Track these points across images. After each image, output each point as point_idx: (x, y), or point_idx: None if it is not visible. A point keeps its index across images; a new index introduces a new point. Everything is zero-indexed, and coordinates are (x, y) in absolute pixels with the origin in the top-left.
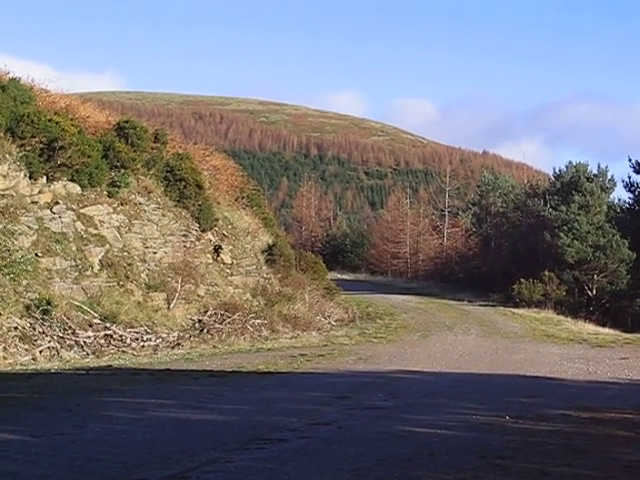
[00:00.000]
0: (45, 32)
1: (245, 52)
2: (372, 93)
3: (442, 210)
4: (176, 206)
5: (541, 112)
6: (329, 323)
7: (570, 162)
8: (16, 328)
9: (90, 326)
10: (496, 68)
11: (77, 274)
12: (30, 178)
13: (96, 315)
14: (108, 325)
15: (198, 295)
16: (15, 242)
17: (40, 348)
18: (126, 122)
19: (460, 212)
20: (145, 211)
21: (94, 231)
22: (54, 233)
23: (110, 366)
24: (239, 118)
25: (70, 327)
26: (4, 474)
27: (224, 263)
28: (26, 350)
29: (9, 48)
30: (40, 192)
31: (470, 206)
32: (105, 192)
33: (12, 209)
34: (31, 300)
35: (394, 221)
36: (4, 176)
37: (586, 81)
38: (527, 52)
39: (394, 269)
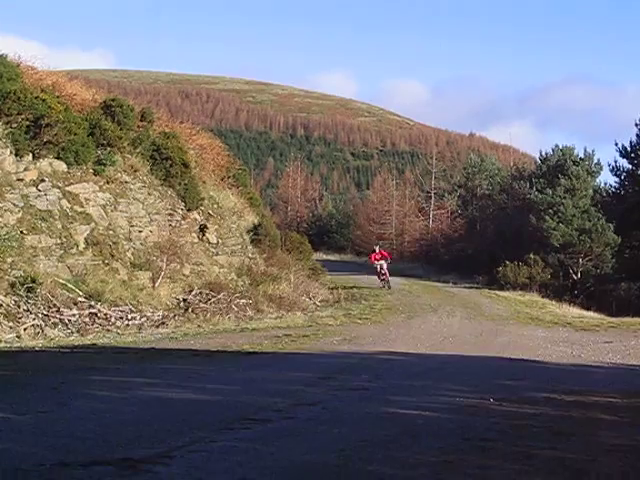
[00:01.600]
0: (35, 8)
1: (233, 32)
2: (362, 74)
3: (428, 192)
4: (162, 185)
5: (532, 95)
6: (314, 304)
7: (556, 145)
8: (0, 305)
9: (75, 304)
10: (487, 50)
11: (62, 252)
12: (16, 155)
13: (81, 293)
14: (93, 303)
15: (183, 274)
16: (0, 219)
17: (24, 326)
18: (113, 100)
19: (446, 194)
20: (131, 190)
21: (80, 209)
22: (39, 211)
23: (95, 344)
24: (226, 97)
25: (55, 305)
26: None
27: (209, 242)
28: (10, 328)
29: None
30: (26, 169)
31: (456, 188)
32: (91, 170)
33: None
34: (16, 278)
35: (380, 202)
36: None
37: (576, 64)
38: (518, 35)
39: None
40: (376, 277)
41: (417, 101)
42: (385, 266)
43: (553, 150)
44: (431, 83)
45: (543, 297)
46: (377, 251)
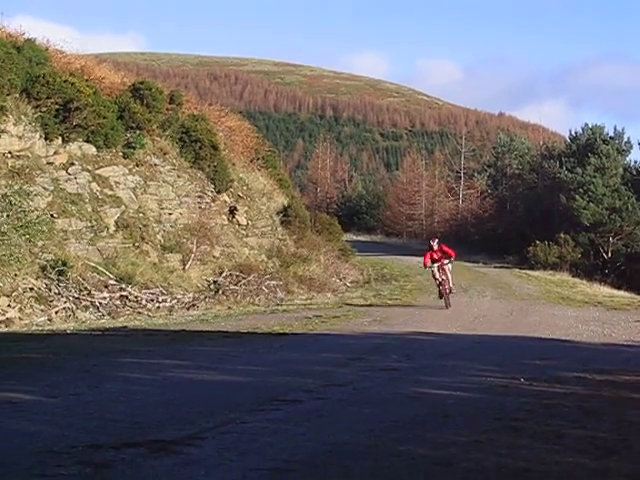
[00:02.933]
0: None
1: (262, 14)
2: (395, 55)
3: (457, 172)
4: (191, 167)
5: (565, 74)
6: (344, 284)
7: (586, 124)
8: (32, 289)
9: (106, 287)
10: (521, 30)
11: (93, 235)
12: (46, 139)
13: (112, 276)
14: (124, 286)
15: (213, 256)
16: (31, 203)
17: (56, 309)
18: (141, 83)
19: (476, 174)
20: (160, 172)
21: (109, 192)
22: (69, 194)
23: (125, 327)
24: (254, 79)
25: (86, 288)
26: (21, 434)
27: (239, 224)
28: (42, 311)
29: (31, 9)
30: (56, 153)
31: (486, 168)
32: (120, 153)
33: (28, 170)
34: (47, 261)
35: (409, 183)
36: (20, 137)
37: (610, 42)
38: (553, 14)
39: (409, 231)
40: (407, 257)
41: (449, 81)
42: (449, 269)
43: (583, 129)
44: (464, 63)
45: (574, 276)
46: (435, 248)
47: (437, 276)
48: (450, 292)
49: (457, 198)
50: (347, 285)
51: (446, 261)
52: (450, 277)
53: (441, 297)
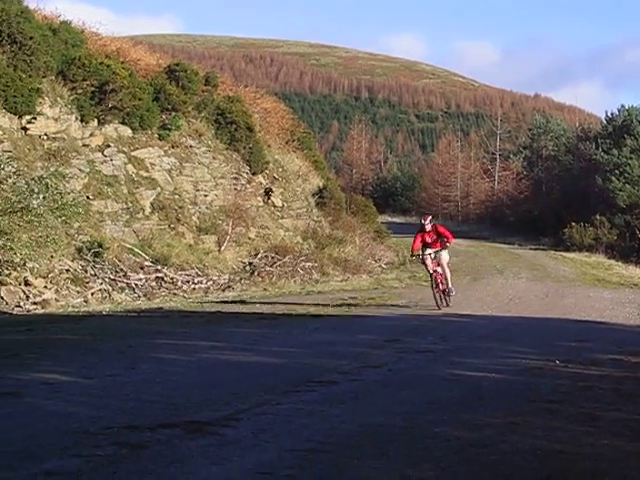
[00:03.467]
0: None
1: None
2: (432, 36)
3: (493, 153)
4: (227, 149)
5: (601, 55)
6: (379, 266)
7: (622, 105)
8: (68, 270)
9: (141, 268)
10: (558, 11)
11: (128, 217)
12: (81, 121)
13: (147, 258)
14: (159, 268)
15: (249, 238)
16: (67, 185)
17: (92, 290)
18: (177, 65)
19: (511, 155)
20: (196, 154)
21: (145, 174)
22: (105, 176)
23: (161, 308)
24: (289, 61)
25: (121, 269)
26: (57, 415)
27: (275, 206)
28: (78, 292)
29: None
30: (91, 135)
31: (521, 149)
32: (156, 135)
33: (64, 152)
34: (83, 243)
35: (445, 164)
36: (56, 119)
37: None
38: None
39: (445, 212)
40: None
41: (485, 63)
42: (445, 260)
43: (619, 110)
44: (501, 45)
45: (609, 258)
46: (428, 229)
47: (430, 267)
48: (448, 293)
49: (492, 180)
50: (382, 267)
51: (442, 249)
52: (447, 272)
53: (438, 293)
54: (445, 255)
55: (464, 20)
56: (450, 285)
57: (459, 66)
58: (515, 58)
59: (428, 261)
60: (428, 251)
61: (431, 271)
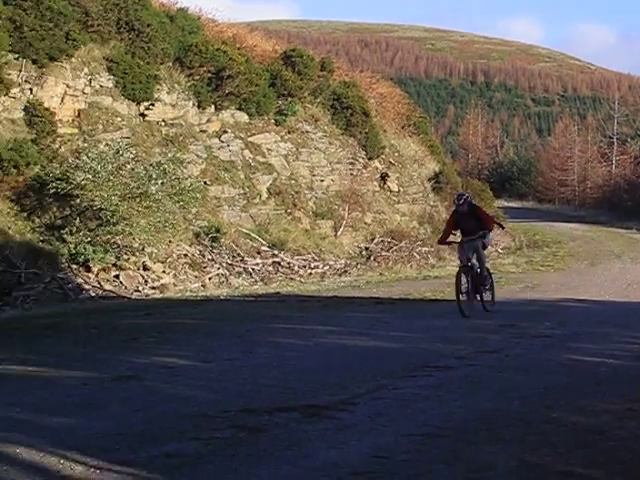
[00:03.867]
0: None
1: None
2: (550, 19)
3: (610, 137)
4: (343, 134)
5: None
6: (496, 251)
7: None
8: (186, 255)
9: (258, 253)
10: None
11: (245, 202)
12: (198, 107)
13: (264, 243)
14: (276, 252)
15: (365, 223)
16: (184, 170)
17: (209, 275)
18: (293, 50)
19: (629, 139)
20: (312, 139)
21: (262, 159)
22: (222, 161)
23: (278, 293)
24: (405, 45)
25: (238, 254)
26: (176, 398)
27: (391, 191)
28: (196, 277)
29: None
30: (208, 121)
31: (639, 133)
32: (272, 120)
33: (181, 138)
34: (200, 228)
35: (561, 148)
36: (173, 105)
37: None
38: None
39: (561, 197)
40: (559, 224)
41: (602, 46)
42: (483, 254)
43: None
44: (619, 28)
45: None
46: (463, 209)
47: (463, 258)
48: (480, 298)
49: (610, 164)
50: (499, 252)
51: (484, 236)
52: (485, 270)
53: (462, 297)
54: (482, 247)
55: (581, 3)
56: (488, 287)
57: (575, 49)
58: (633, 42)
59: (463, 254)
60: (466, 240)
61: (464, 265)
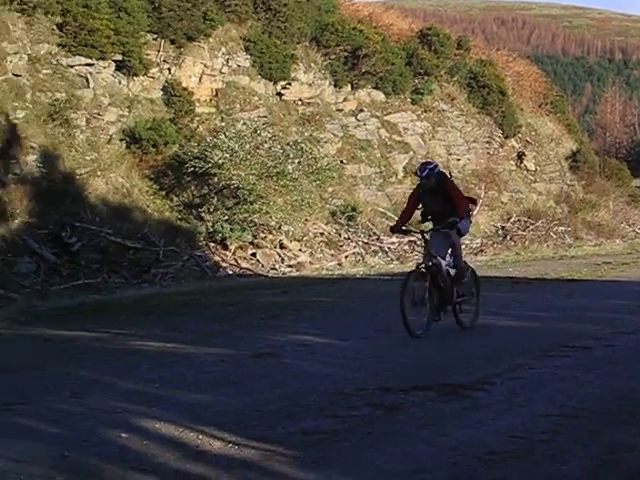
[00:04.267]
0: None
1: None
2: None
3: None
4: (479, 113)
5: None
6: (634, 231)
7: None
8: (322, 234)
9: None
10: None
11: (381, 181)
12: (335, 86)
13: None
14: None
15: (501, 202)
16: (321, 149)
17: (345, 254)
18: (429, 29)
19: None
20: (448, 118)
21: (398, 138)
22: (359, 140)
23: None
24: (542, 23)
25: (375, 233)
26: (313, 376)
27: (527, 170)
28: (332, 255)
29: None
30: (345, 100)
31: None
32: (409, 99)
33: (318, 117)
34: (337, 206)
35: None
36: (310, 84)
37: None
38: None
39: None
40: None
41: None
42: (457, 244)
43: None
44: None
45: None
46: (427, 183)
47: (424, 255)
48: (454, 313)
49: None
50: (637, 231)
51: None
52: (461, 258)
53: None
54: (456, 237)
55: None
56: (466, 297)
57: None
58: None
59: (431, 247)
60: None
61: (426, 264)
